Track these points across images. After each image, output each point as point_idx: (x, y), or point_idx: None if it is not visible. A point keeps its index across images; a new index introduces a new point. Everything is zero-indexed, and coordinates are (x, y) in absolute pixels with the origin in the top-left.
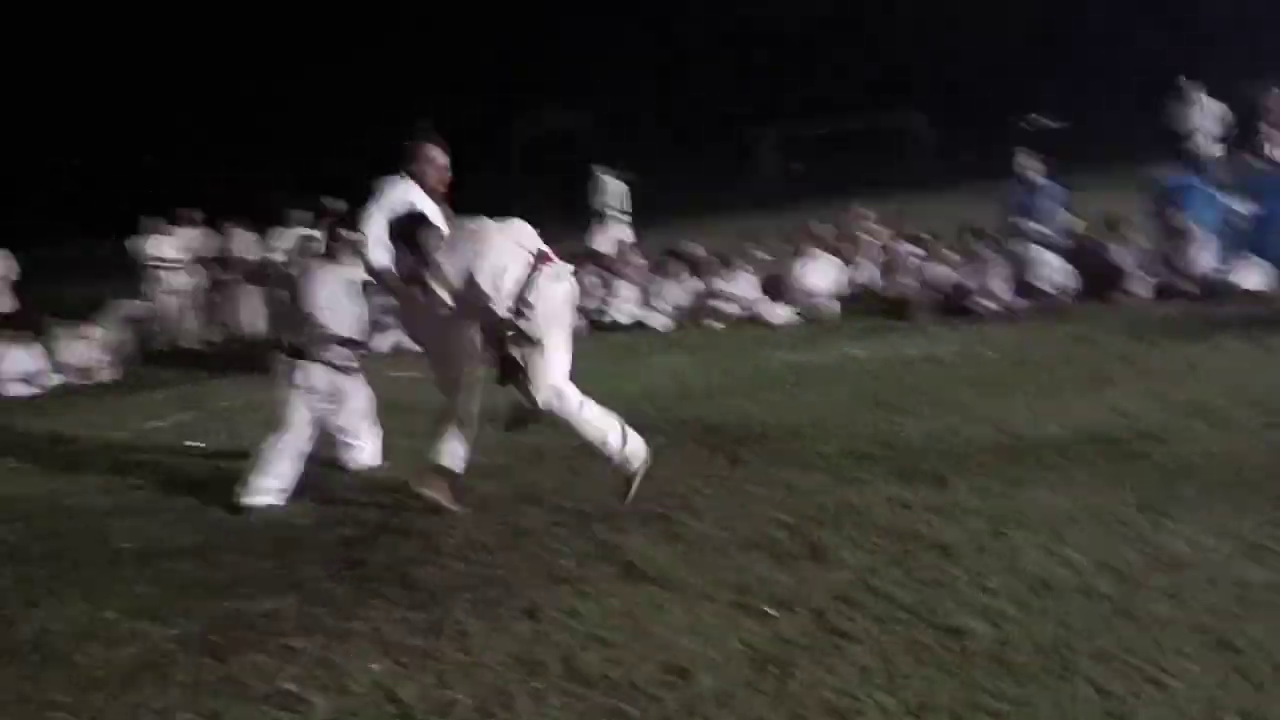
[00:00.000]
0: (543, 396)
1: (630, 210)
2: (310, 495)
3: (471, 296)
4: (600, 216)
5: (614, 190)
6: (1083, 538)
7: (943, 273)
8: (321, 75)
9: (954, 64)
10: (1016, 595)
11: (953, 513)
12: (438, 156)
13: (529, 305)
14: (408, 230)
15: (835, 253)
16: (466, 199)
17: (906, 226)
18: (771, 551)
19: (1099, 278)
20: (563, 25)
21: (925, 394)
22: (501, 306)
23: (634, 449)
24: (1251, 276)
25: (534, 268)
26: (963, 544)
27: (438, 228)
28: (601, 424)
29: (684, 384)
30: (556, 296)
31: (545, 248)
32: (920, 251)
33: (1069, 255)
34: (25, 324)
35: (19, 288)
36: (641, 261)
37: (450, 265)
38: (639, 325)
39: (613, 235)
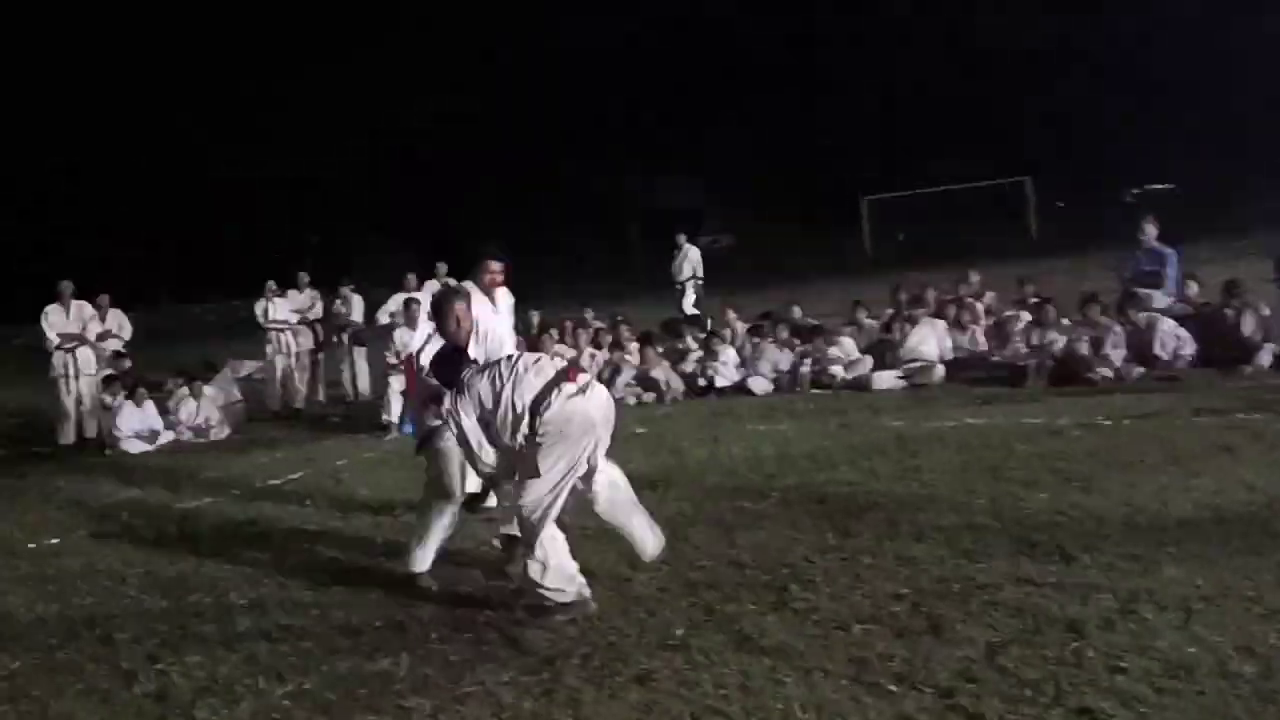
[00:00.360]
0: (526, 501)
1: (701, 276)
2: None
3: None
4: (686, 283)
5: (694, 257)
6: (1218, 617)
7: (1056, 339)
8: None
9: (1068, 129)
10: (1151, 677)
11: (1080, 589)
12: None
13: (541, 417)
14: (442, 363)
15: (942, 317)
16: (589, 267)
17: (1018, 292)
18: (890, 626)
19: (1218, 346)
20: (674, 100)
21: (1043, 464)
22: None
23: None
24: None
25: (556, 384)
26: (1092, 622)
27: (468, 366)
28: (555, 559)
29: (788, 451)
30: (572, 414)
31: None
32: (1029, 317)
33: (1188, 322)
34: (141, 382)
35: (131, 347)
36: (741, 325)
37: (479, 389)
38: (739, 389)
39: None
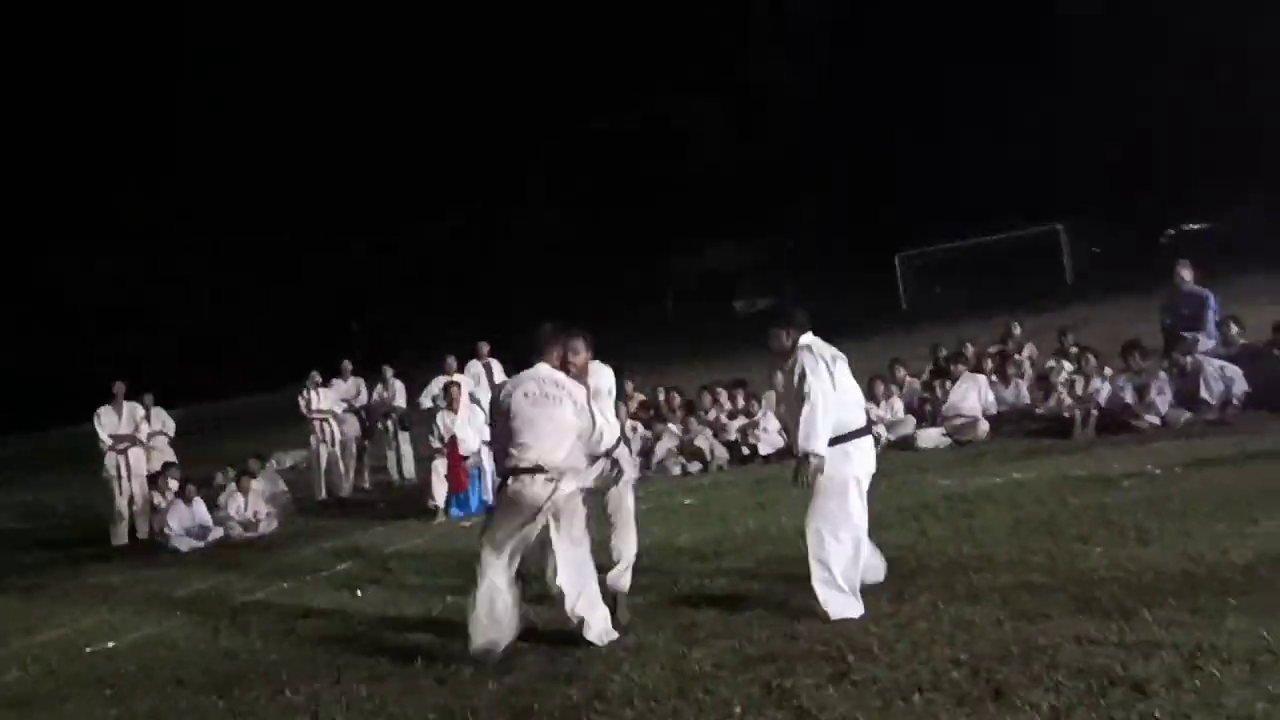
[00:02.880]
0: None
1: None
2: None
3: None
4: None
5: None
6: None
7: (1100, 388)
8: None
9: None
10: None
11: (1143, 647)
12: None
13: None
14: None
15: (982, 371)
16: (627, 330)
17: (1059, 342)
18: (952, 694)
19: (1268, 386)
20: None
21: (1097, 518)
22: None
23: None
24: None
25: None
26: (1157, 680)
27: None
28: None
29: None
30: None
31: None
32: (1071, 367)
33: (1235, 364)
34: (189, 479)
35: (175, 444)
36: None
37: None
38: (784, 454)
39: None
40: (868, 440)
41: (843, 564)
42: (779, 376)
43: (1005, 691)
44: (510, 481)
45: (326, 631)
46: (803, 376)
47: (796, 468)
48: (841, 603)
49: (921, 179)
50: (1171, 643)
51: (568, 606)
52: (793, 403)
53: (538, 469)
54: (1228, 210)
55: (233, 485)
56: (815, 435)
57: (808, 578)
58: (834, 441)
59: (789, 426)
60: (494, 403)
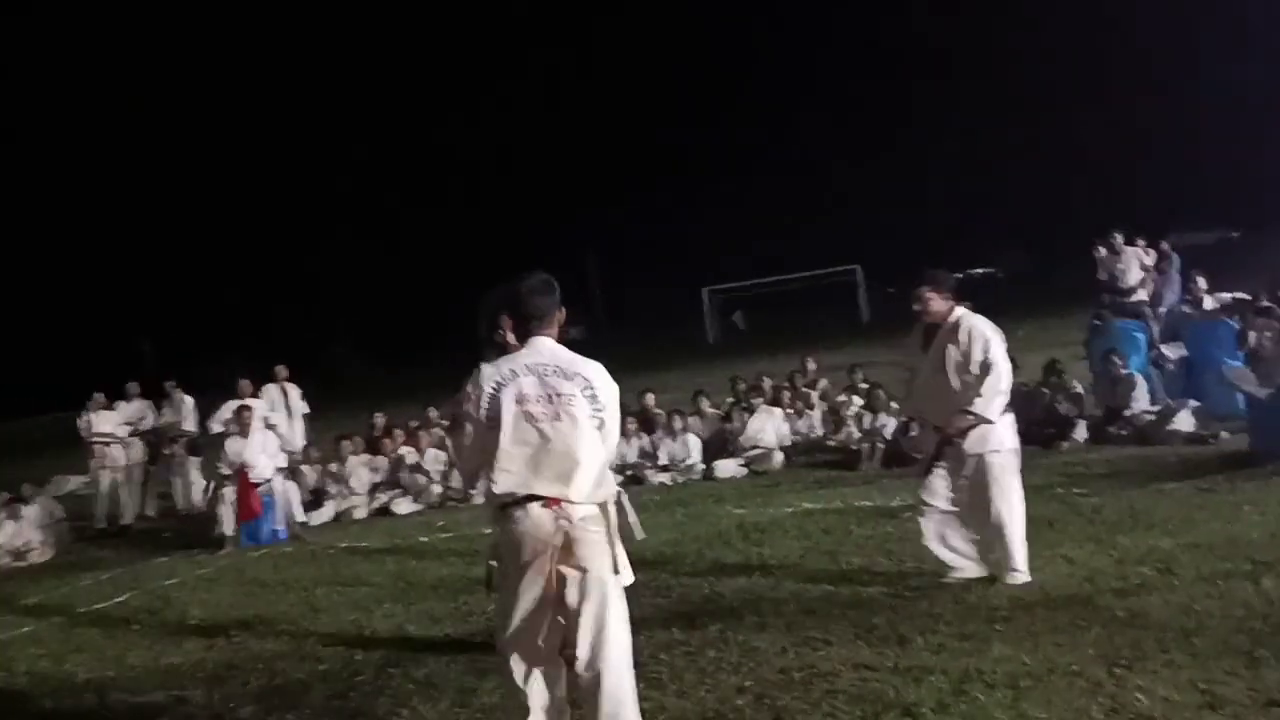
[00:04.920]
0: None
1: None
2: None
3: None
4: None
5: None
6: (1046, 694)
7: (886, 423)
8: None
9: (893, 215)
10: None
11: (915, 672)
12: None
13: None
14: None
15: (779, 404)
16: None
17: (850, 378)
18: None
19: (1038, 424)
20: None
21: (878, 547)
22: None
23: None
24: (1183, 418)
25: None
26: (926, 704)
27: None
28: None
29: (635, 545)
30: None
31: None
32: (861, 402)
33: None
34: None
35: None
36: None
37: None
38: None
39: None
40: (1012, 417)
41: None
42: (918, 345)
43: (785, 717)
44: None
45: (98, 670)
46: (986, 343)
47: (950, 432)
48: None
49: (728, 218)
50: (941, 668)
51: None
52: (955, 370)
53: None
54: (998, 258)
55: (3, 512)
56: (996, 402)
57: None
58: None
59: (934, 396)
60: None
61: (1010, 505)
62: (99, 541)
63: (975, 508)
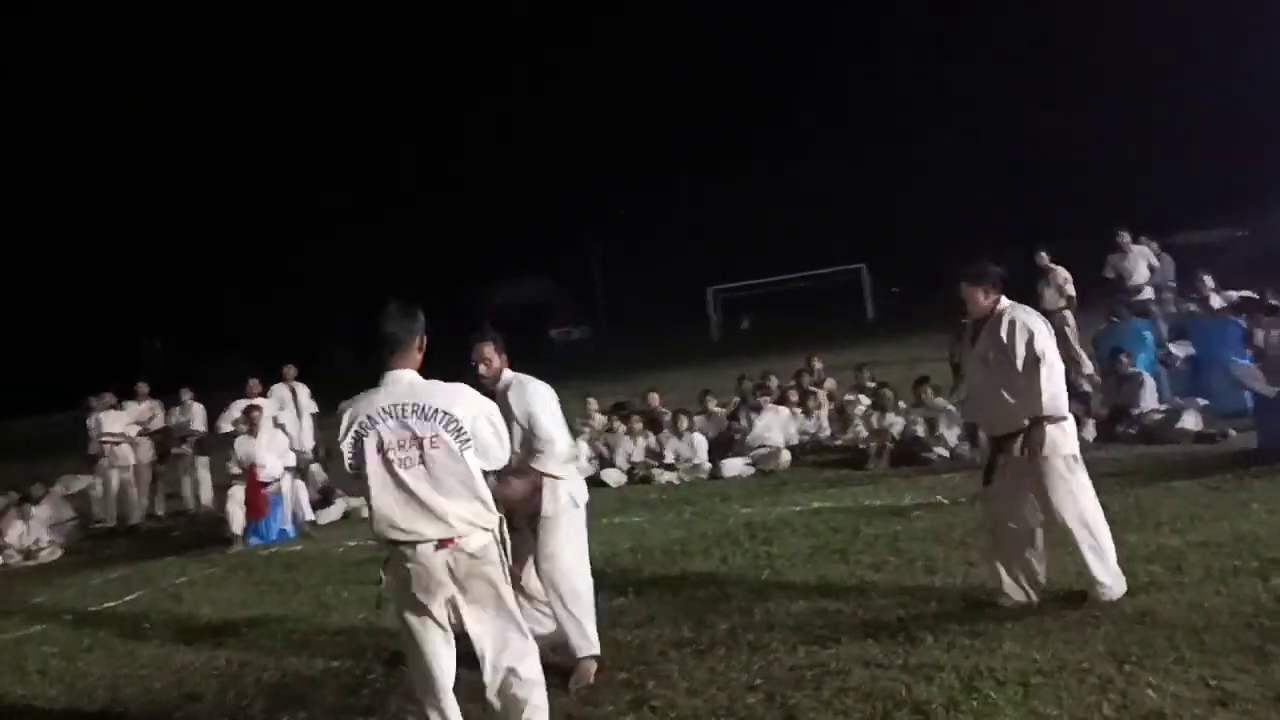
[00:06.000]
0: None
1: None
2: None
3: None
4: None
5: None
6: (1056, 692)
7: (894, 421)
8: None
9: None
10: None
11: (926, 669)
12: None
13: None
14: None
15: (785, 403)
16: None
17: (857, 377)
18: (746, 719)
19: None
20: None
21: (888, 546)
22: None
23: None
24: (1191, 417)
25: None
26: (937, 702)
27: None
28: None
29: (643, 543)
30: None
31: None
32: (868, 401)
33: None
34: None
35: None
36: (600, 417)
37: None
38: (593, 482)
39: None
40: (1072, 419)
41: (1108, 540)
42: (966, 346)
43: (797, 715)
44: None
45: (109, 668)
46: (1031, 336)
47: (1028, 436)
48: (1119, 584)
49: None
50: (952, 666)
51: None
52: (999, 369)
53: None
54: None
55: (13, 510)
56: (1061, 397)
57: (612, 604)
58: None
59: (985, 401)
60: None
61: (1080, 512)
62: (108, 541)
63: (1036, 519)
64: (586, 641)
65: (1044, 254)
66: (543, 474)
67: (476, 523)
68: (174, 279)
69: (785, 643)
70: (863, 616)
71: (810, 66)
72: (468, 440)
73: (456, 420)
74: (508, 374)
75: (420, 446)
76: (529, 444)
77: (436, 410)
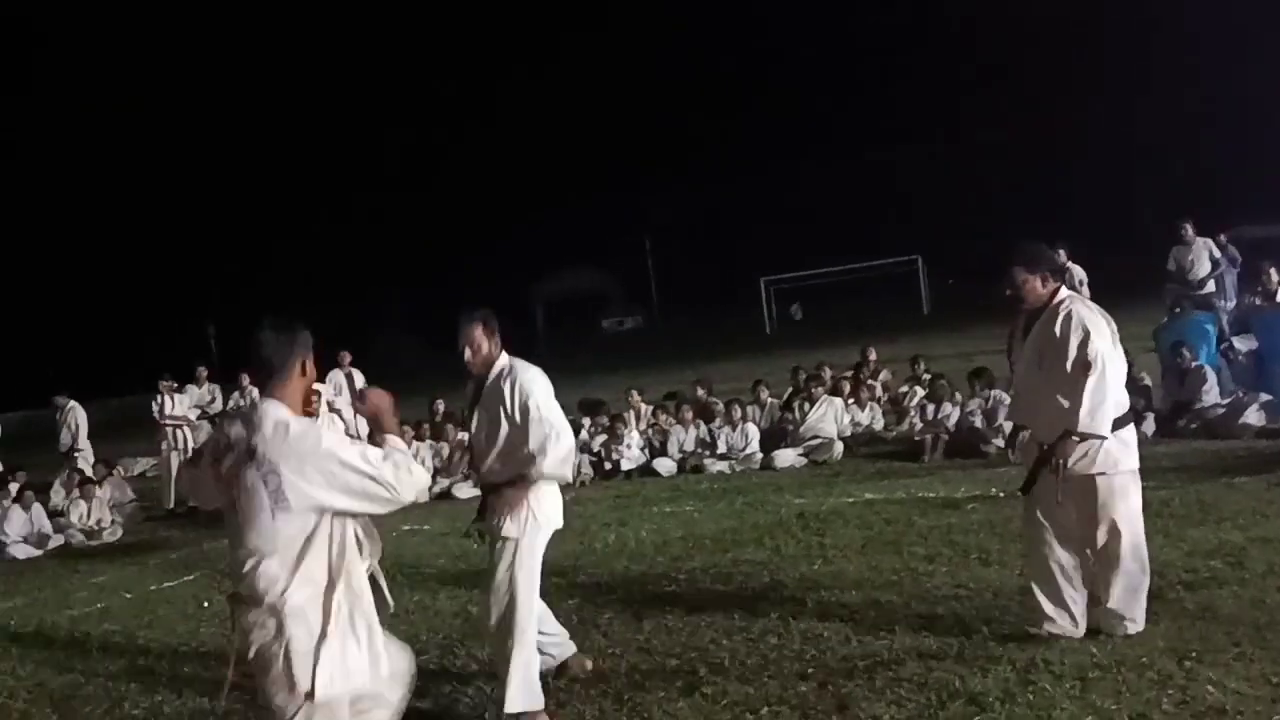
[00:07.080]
0: None
1: None
2: None
3: None
4: None
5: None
6: (1115, 686)
7: (950, 413)
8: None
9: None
10: None
11: (981, 661)
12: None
13: None
14: None
15: (839, 394)
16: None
17: (914, 367)
18: (799, 707)
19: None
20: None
21: (942, 538)
22: None
23: None
24: (1254, 412)
25: None
26: (992, 694)
27: None
28: None
29: (695, 532)
30: None
31: None
32: (923, 392)
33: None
34: (29, 484)
35: (14, 446)
36: (645, 407)
37: None
38: (645, 471)
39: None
40: (1133, 431)
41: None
42: (1018, 339)
43: (850, 704)
44: None
45: (169, 643)
46: (1085, 335)
47: (1053, 450)
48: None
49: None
50: (1007, 658)
51: None
52: (1052, 369)
53: None
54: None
55: (76, 492)
56: (1102, 411)
57: (664, 591)
58: (1116, 424)
59: (1031, 402)
60: None
61: (1123, 541)
62: (168, 522)
63: (1084, 541)
64: (527, 693)
65: (1062, 251)
66: (530, 482)
67: (292, 591)
68: (231, 266)
69: (838, 632)
70: (916, 608)
71: (871, 54)
72: (284, 503)
73: (279, 477)
74: (503, 359)
75: (237, 497)
76: (524, 441)
77: (266, 460)
